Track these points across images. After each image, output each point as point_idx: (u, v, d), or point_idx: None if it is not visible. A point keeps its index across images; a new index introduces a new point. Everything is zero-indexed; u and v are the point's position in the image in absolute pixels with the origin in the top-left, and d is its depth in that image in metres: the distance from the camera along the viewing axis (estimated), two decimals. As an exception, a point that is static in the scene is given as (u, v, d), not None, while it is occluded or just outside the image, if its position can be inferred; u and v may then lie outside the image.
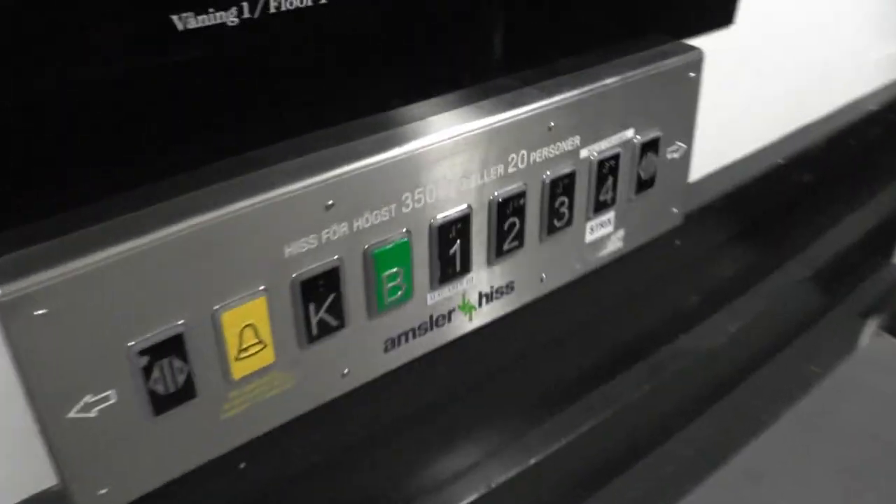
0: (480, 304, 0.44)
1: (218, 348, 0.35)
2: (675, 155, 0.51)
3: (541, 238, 0.45)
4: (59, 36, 0.27)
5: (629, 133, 0.47)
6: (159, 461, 0.35)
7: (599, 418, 0.57)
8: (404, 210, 0.37)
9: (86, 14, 0.27)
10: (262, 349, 0.36)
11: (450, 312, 0.42)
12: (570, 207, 0.45)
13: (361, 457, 0.43)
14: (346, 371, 0.40)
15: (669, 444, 0.67)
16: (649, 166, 0.49)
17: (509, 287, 0.45)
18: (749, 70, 0.58)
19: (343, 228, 0.36)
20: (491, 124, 0.39)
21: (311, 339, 0.37)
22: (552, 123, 0.42)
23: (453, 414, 0.49)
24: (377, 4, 0.34)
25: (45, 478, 0.34)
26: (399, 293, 0.39)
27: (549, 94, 0.41)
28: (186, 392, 0.34)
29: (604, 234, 0.49)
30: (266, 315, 0.35)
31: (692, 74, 0.49)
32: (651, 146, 0.48)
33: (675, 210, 0.53)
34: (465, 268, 0.41)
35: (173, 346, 0.33)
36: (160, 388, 0.34)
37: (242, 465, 0.40)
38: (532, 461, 0.52)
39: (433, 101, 0.38)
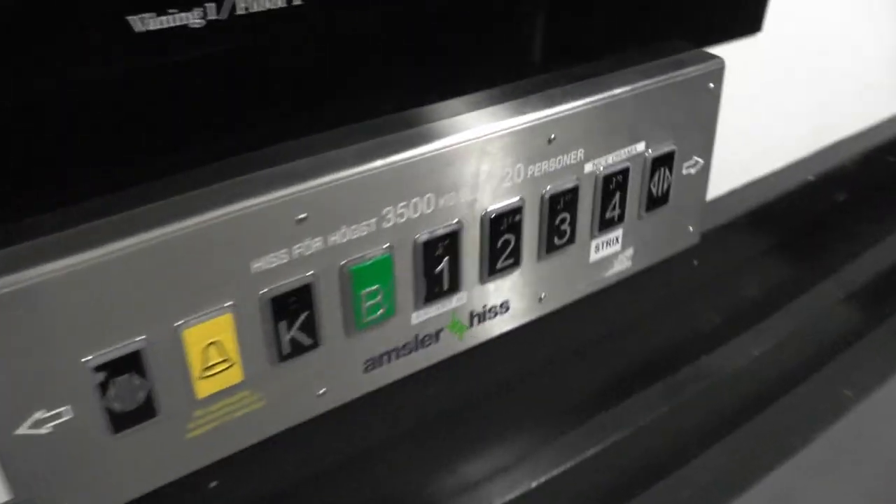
0: (472, 323, 0.41)
1: (180, 366, 0.33)
2: (692, 170, 0.48)
3: (539, 256, 0.42)
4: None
5: (640, 146, 0.44)
6: (120, 480, 0.34)
7: (612, 439, 0.54)
8: (385, 225, 0.35)
9: (31, 14, 0.26)
10: (228, 367, 0.34)
11: (438, 332, 0.40)
12: (573, 224, 0.42)
13: (340, 480, 0.41)
14: (322, 391, 0.38)
15: (687, 469, 0.64)
16: (662, 182, 0.46)
17: (504, 307, 0.42)
18: (778, 81, 0.55)
19: (317, 243, 0.34)
20: (484, 135, 0.36)
21: (283, 358, 0.35)
22: (553, 135, 0.39)
23: (452, 435, 0.47)
24: (359, 6, 0.32)
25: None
26: (380, 311, 0.37)
27: (551, 104, 0.39)
28: (147, 410, 0.33)
29: (610, 252, 0.46)
30: (232, 332, 0.33)
31: (712, 85, 0.46)
32: (664, 161, 0.45)
33: (691, 228, 0.50)
34: (454, 286, 0.39)
35: (132, 363, 0.32)
36: (118, 406, 0.32)
37: (213, 485, 0.38)
38: (535, 484, 0.50)
39: (422, 109, 0.36)
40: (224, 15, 0.29)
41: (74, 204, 0.30)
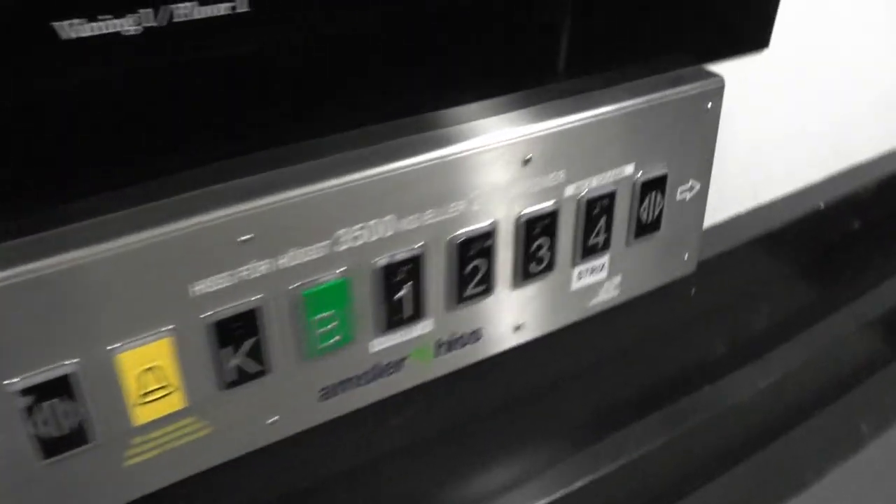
0: (439, 352, 0.39)
1: (115, 391, 0.31)
2: (687, 195, 0.45)
3: (514, 283, 0.40)
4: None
5: (628, 169, 0.41)
6: (53, 507, 0.32)
7: (605, 471, 0.52)
8: (340, 248, 0.33)
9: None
10: (169, 394, 0.32)
11: (401, 360, 0.38)
12: (552, 250, 0.40)
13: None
14: (273, 419, 0.35)
15: (691, 500, 0.61)
16: (653, 207, 0.43)
17: (475, 336, 0.40)
18: (790, 100, 0.52)
19: (263, 266, 0.32)
20: (451, 154, 0.34)
21: (229, 385, 0.33)
22: (529, 155, 0.37)
23: (428, 466, 0.45)
24: (313, 14, 0.30)
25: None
26: (335, 339, 0.35)
27: (527, 122, 0.36)
28: (79, 437, 0.31)
29: (595, 281, 0.43)
30: (172, 358, 0.31)
31: (710, 105, 0.43)
32: (656, 185, 0.43)
33: (686, 256, 0.47)
34: (418, 314, 0.37)
35: (62, 387, 0.30)
36: (48, 432, 0.30)
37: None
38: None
39: (381, 126, 0.34)
40: (162, 22, 0.27)
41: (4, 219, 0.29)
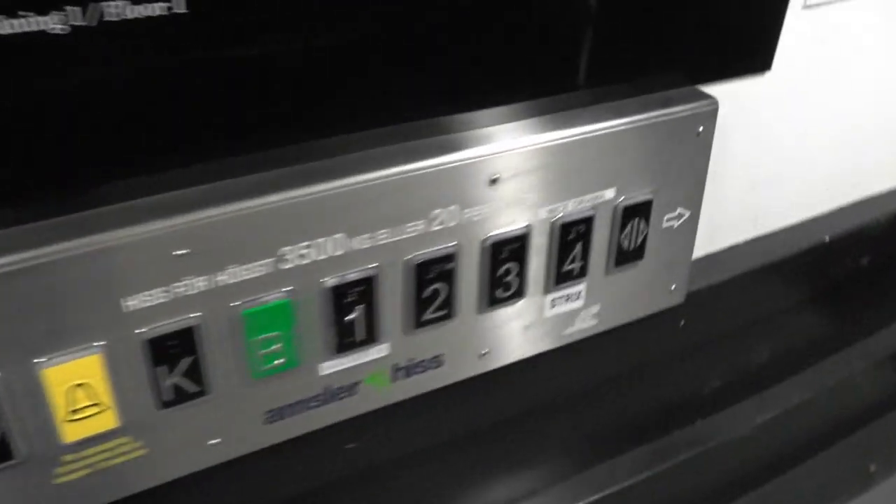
0: (396, 377, 0.37)
1: (42, 407, 0.30)
2: (675, 223, 0.43)
3: (479, 309, 0.38)
4: None
5: (609, 193, 0.39)
6: (-22, 523, 0.31)
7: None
8: (285, 266, 0.32)
9: None
10: (100, 412, 0.31)
11: (354, 385, 0.36)
12: (521, 276, 0.38)
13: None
14: (215, 441, 0.34)
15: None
16: (636, 235, 0.41)
17: (436, 361, 0.38)
18: (797, 126, 0.49)
19: (201, 283, 0.30)
20: (405, 172, 0.32)
21: (165, 405, 0.32)
22: (496, 175, 0.35)
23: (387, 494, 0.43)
24: (256, 15, 0.28)
25: None
26: (279, 361, 0.33)
27: (494, 140, 0.34)
28: (2, 452, 0.30)
29: (570, 309, 0.41)
30: (103, 375, 0.30)
31: (701, 129, 0.41)
32: (639, 211, 0.40)
33: (673, 287, 0.45)
34: (371, 338, 0.35)
35: (-17, 400, 0.29)
36: (-33, 445, 0.29)
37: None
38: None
39: (333, 140, 0.32)
40: (92, 21, 0.26)
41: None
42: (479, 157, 0.34)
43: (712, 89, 0.44)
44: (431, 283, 0.35)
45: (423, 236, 0.34)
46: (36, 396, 0.29)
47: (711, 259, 0.51)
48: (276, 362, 0.33)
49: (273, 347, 0.33)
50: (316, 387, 0.35)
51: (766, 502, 0.62)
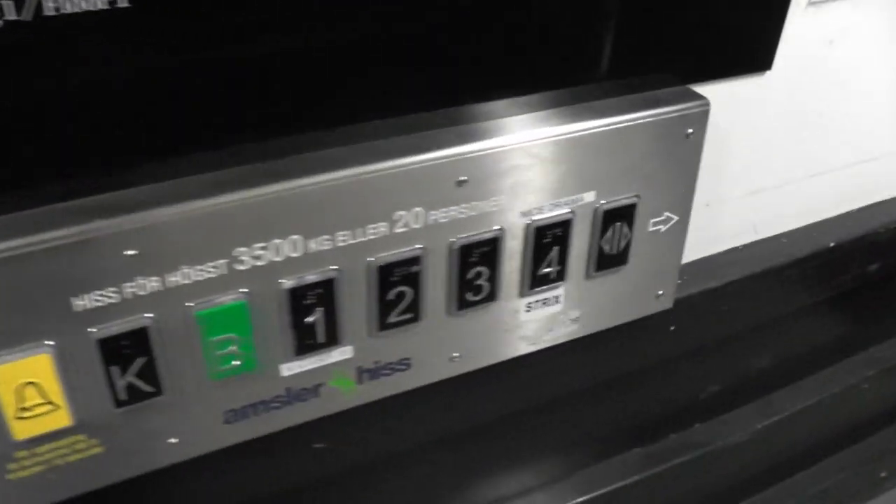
0: (362, 380, 0.36)
1: (-8, 403, 0.30)
2: (662, 227, 0.41)
3: (448, 312, 0.37)
4: None
5: (588, 196, 0.38)
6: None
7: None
8: (239, 267, 0.31)
9: None
10: (52, 410, 0.31)
11: (318, 387, 0.36)
12: (493, 279, 0.37)
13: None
14: (173, 440, 0.34)
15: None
16: (618, 239, 0.40)
17: (404, 364, 0.37)
18: (801, 128, 0.47)
19: (153, 283, 0.30)
20: (363, 173, 0.32)
21: (120, 404, 0.32)
22: (463, 177, 0.34)
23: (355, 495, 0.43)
24: (203, 12, 0.28)
25: None
26: (236, 362, 0.33)
27: (461, 141, 0.33)
28: (-48, 446, 0.30)
29: (548, 313, 0.40)
30: (52, 374, 0.30)
31: (690, 130, 0.39)
32: (621, 214, 0.39)
33: (660, 293, 0.43)
34: (333, 340, 0.34)
35: (-68, 395, 0.29)
36: (-83, 438, 0.29)
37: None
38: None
39: (290, 139, 0.31)
40: (27, 16, 0.25)
41: None
42: (444, 158, 0.33)
43: (709, 89, 0.42)
44: (396, 285, 0.34)
45: (385, 238, 0.33)
46: (-14, 393, 0.29)
47: (708, 262, 0.49)
48: (233, 363, 0.33)
49: (230, 349, 0.32)
50: (277, 388, 0.35)
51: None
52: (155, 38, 0.27)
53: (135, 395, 0.32)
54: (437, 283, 0.36)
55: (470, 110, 0.34)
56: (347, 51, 0.31)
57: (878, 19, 0.45)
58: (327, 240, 0.32)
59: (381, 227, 0.33)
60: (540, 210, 0.37)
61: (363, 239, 0.33)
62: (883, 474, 0.66)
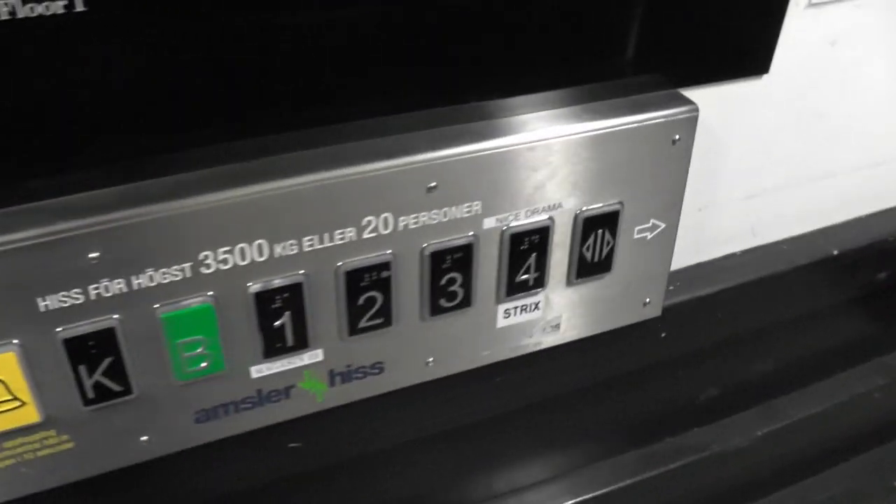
0: (333, 382, 0.37)
1: (-38, 398, 0.30)
2: (648, 235, 0.40)
3: (422, 317, 0.37)
4: None
5: (567, 203, 0.37)
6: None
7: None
8: (205, 271, 0.31)
9: None
10: (19, 407, 0.31)
11: (288, 389, 0.36)
12: (467, 286, 0.36)
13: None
14: (144, 438, 0.34)
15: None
16: (600, 246, 0.39)
17: (377, 367, 0.37)
18: (802, 132, 0.46)
19: (118, 285, 0.30)
20: (331, 178, 0.31)
21: (89, 403, 0.32)
22: (433, 183, 0.33)
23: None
24: (161, 16, 0.28)
25: None
26: (204, 364, 0.33)
27: (432, 146, 0.33)
28: (-77, 438, 0.31)
29: (527, 319, 0.40)
30: (18, 371, 0.30)
31: (677, 137, 0.38)
32: (603, 221, 0.38)
33: (648, 300, 0.43)
34: (303, 343, 0.34)
35: None
36: None
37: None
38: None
39: (254, 141, 0.31)
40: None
41: None
42: (413, 164, 0.32)
43: (705, 92, 0.41)
44: (365, 290, 0.34)
45: (354, 244, 0.33)
46: (-44, 388, 0.30)
47: (703, 268, 0.48)
48: (201, 365, 0.33)
49: (197, 351, 0.33)
50: (247, 389, 0.35)
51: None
52: (114, 40, 0.27)
53: (103, 394, 0.32)
54: (409, 289, 0.35)
55: (442, 113, 0.34)
56: (314, 52, 0.31)
57: (883, 20, 0.43)
58: (294, 244, 0.32)
59: (350, 233, 0.33)
60: (516, 217, 0.36)
61: (331, 244, 0.33)
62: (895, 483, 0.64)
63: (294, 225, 0.32)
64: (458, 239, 0.35)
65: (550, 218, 0.37)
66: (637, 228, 0.40)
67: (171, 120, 0.29)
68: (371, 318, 0.35)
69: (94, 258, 0.29)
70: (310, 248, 0.32)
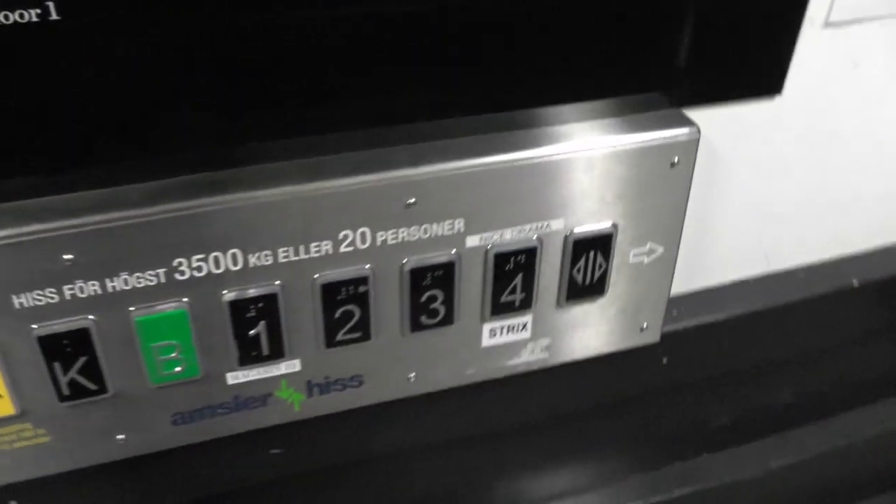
0: (311, 393, 0.37)
1: (-59, 389, 0.31)
2: (645, 259, 0.39)
3: (402, 332, 0.36)
4: None
5: (556, 224, 0.36)
6: None
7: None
8: (178, 277, 0.32)
9: None
10: (-5, 398, 0.32)
11: (265, 397, 0.36)
12: (449, 304, 0.36)
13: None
14: (121, 437, 0.35)
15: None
16: (592, 268, 0.38)
17: (356, 380, 0.37)
18: (820, 156, 0.44)
19: (92, 287, 0.31)
20: (307, 191, 0.31)
21: (64, 399, 0.33)
22: (411, 199, 0.33)
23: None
24: (136, 23, 0.28)
25: None
26: (178, 368, 0.33)
27: (410, 162, 0.33)
28: None
29: (513, 340, 0.39)
30: (-6, 365, 0.31)
31: (676, 159, 0.37)
32: (595, 244, 0.37)
33: (645, 325, 0.42)
34: (279, 352, 0.34)
35: None
36: None
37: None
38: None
39: (241, 149, 0.32)
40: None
41: None
42: (391, 179, 0.32)
43: (713, 112, 0.40)
44: (342, 304, 0.34)
45: (331, 257, 0.33)
46: (-66, 379, 0.31)
47: (710, 294, 0.47)
48: (175, 369, 0.33)
49: (171, 355, 0.33)
50: (224, 395, 0.35)
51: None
52: (89, 48, 0.27)
53: (78, 392, 0.33)
54: (389, 304, 0.35)
55: (425, 128, 0.34)
56: (295, 62, 0.30)
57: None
58: (268, 255, 0.32)
59: (326, 246, 0.33)
60: (501, 236, 0.35)
61: (307, 256, 0.33)
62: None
63: (269, 236, 0.32)
64: (439, 256, 0.35)
65: (538, 238, 0.36)
66: (633, 252, 0.39)
67: (148, 127, 0.30)
68: (349, 332, 0.35)
69: (68, 259, 0.30)
70: (285, 260, 0.32)
